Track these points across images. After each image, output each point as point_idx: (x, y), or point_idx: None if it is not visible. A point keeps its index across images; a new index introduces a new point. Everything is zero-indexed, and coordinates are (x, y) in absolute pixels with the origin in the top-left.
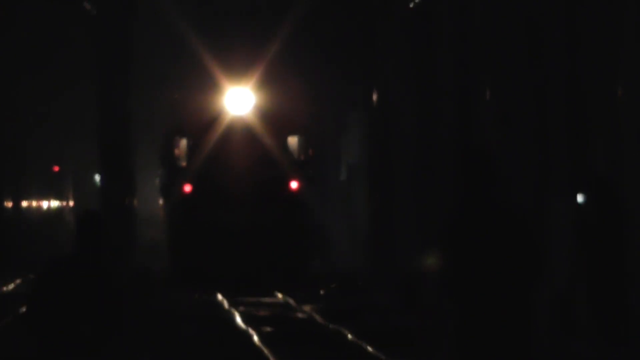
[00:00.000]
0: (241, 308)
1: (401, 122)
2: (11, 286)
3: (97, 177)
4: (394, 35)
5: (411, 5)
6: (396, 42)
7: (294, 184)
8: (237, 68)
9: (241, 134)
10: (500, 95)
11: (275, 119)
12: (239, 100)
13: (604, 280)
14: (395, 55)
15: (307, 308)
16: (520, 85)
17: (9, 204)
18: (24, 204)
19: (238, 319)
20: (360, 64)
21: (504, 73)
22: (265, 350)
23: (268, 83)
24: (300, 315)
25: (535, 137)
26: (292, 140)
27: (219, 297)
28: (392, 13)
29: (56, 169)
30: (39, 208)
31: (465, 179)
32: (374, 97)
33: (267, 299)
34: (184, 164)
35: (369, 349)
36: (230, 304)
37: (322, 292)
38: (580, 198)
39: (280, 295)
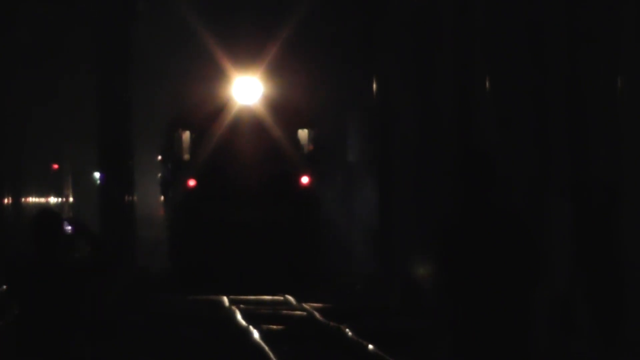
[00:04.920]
0: (242, 306)
1: (402, 121)
2: None
3: (97, 175)
4: (395, 34)
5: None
6: (397, 40)
7: (304, 179)
8: (245, 56)
9: (249, 125)
10: (500, 95)
11: (284, 110)
12: (246, 90)
13: (603, 280)
14: (395, 55)
15: (307, 306)
16: (520, 85)
17: (9, 201)
18: (23, 201)
19: (239, 317)
20: (360, 62)
21: (504, 72)
22: (266, 348)
23: (277, 72)
24: (301, 313)
25: (535, 137)
26: (303, 133)
27: (220, 295)
28: (393, 11)
29: (56, 167)
30: (39, 204)
31: (464, 180)
32: (374, 96)
33: (268, 297)
34: (187, 157)
35: (370, 347)
36: (231, 302)
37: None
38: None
39: (281, 294)
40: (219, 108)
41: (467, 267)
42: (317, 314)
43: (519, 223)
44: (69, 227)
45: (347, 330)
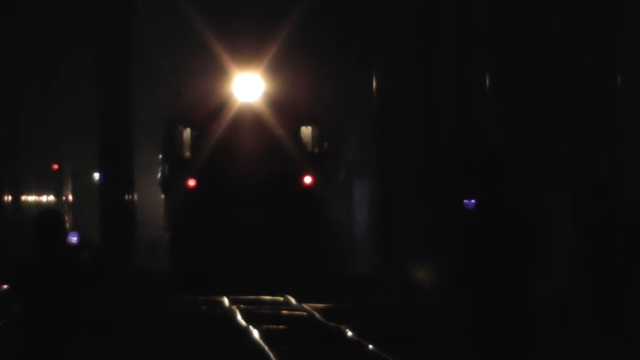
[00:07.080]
0: (242, 306)
1: (402, 120)
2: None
3: (96, 176)
4: (395, 32)
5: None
6: (397, 39)
7: (307, 179)
8: (246, 52)
9: (250, 123)
10: (500, 93)
11: (287, 107)
12: (247, 87)
13: (604, 278)
14: (396, 53)
15: (307, 307)
16: (520, 83)
17: (9, 200)
18: (23, 200)
19: (239, 317)
20: (360, 59)
21: (504, 70)
22: (266, 348)
23: (278, 69)
24: (301, 313)
25: (534, 134)
26: (305, 131)
27: (220, 295)
28: (394, 9)
29: (55, 167)
30: (39, 204)
31: (478, 177)
32: (374, 94)
33: (268, 297)
34: (188, 155)
35: (370, 347)
36: (231, 302)
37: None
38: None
39: (281, 294)
40: (220, 105)
41: (479, 260)
42: (317, 314)
43: (529, 220)
44: (75, 238)
45: (347, 330)
